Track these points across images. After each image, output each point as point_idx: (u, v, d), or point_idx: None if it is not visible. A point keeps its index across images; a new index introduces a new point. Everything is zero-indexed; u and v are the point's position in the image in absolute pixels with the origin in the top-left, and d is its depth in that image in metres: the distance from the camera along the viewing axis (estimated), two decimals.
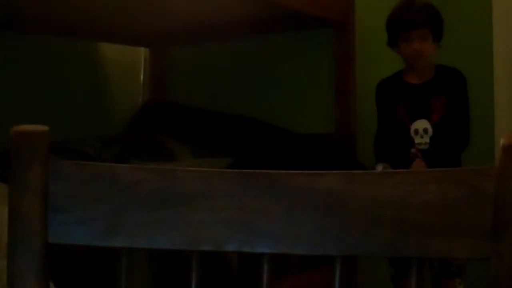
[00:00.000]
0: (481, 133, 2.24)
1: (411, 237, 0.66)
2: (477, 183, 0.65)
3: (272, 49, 2.99)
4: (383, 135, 2.20)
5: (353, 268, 2.60)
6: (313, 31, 2.86)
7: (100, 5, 2.37)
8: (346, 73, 2.74)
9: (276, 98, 2.93)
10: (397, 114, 2.15)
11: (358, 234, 0.67)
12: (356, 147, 2.72)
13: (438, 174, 0.67)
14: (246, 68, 3.05)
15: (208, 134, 2.71)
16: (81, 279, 1.59)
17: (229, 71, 3.10)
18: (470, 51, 2.51)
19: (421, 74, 2.16)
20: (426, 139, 2.11)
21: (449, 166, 2.17)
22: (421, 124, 2.11)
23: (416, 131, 2.12)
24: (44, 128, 0.70)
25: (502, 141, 0.65)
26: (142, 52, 3.27)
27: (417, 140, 2.12)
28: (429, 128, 2.10)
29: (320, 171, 0.68)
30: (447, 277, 2.06)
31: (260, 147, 2.61)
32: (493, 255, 0.64)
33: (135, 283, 0.72)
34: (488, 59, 2.52)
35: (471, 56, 2.48)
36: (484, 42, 2.54)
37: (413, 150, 2.10)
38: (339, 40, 2.76)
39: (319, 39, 2.87)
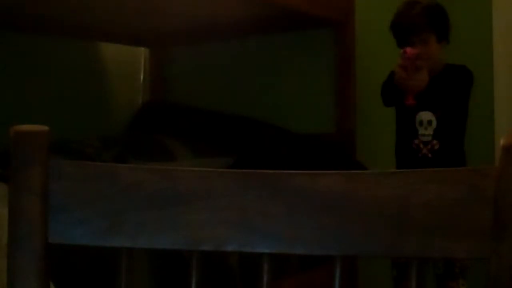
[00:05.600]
0: (481, 133, 2.23)
1: (411, 237, 0.66)
2: (477, 183, 0.65)
3: (272, 49, 2.99)
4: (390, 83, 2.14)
5: (353, 268, 2.60)
6: (313, 31, 2.86)
7: (100, 5, 2.37)
8: (346, 73, 2.74)
9: (276, 98, 2.93)
10: (406, 100, 2.12)
11: (358, 234, 0.67)
12: (356, 147, 2.72)
13: (438, 174, 0.67)
14: (246, 68, 3.05)
15: (208, 134, 2.71)
16: (81, 279, 1.58)
17: (229, 71, 3.10)
18: (470, 51, 2.50)
19: (430, 72, 2.15)
20: (430, 131, 2.10)
21: (452, 157, 2.13)
22: (426, 116, 2.10)
23: (421, 122, 2.12)
24: (44, 128, 0.70)
25: (502, 141, 0.65)
26: (142, 52, 3.26)
27: (421, 131, 2.11)
28: (434, 120, 2.10)
29: (320, 171, 0.68)
30: (450, 278, 2.05)
31: (260, 147, 2.61)
32: (493, 255, 0.64)
33: (135, 283, 0.72)
34: (488, 58, 2.52)
35: (471, 56, 2.48)
36: (484, 41, 2.54)
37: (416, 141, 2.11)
38: (339, 40, 2.77)
39: (319, 39, 2.87)
